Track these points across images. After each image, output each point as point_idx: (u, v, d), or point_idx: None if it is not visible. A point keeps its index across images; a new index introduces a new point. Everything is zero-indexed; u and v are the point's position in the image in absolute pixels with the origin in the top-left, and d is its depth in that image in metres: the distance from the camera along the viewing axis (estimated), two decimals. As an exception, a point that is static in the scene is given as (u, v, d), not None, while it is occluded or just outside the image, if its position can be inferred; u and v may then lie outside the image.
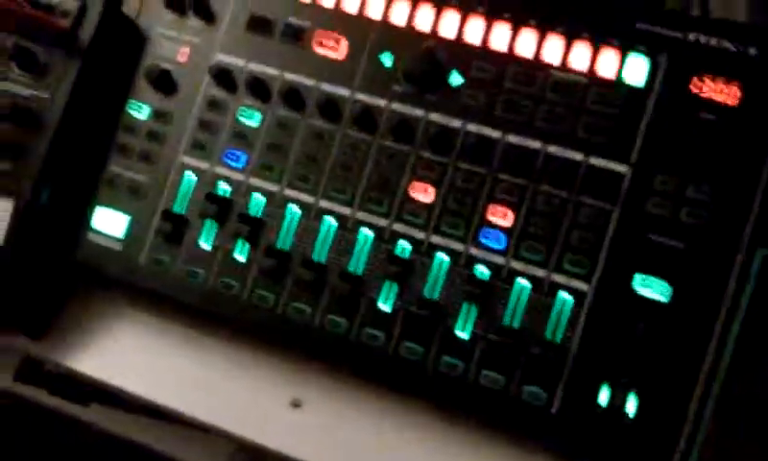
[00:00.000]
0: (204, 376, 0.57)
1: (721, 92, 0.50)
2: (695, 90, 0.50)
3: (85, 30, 0.58)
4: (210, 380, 0.57)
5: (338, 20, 0.57)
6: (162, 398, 0.57)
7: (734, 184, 0.48)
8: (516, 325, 0.50)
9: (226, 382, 0.56)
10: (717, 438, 0.46)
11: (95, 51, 0.58)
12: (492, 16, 0.54)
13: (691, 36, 0.51)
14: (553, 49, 0.53)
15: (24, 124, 0.57)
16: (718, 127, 0.49)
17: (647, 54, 0.51)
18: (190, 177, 0.58)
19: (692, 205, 0.49)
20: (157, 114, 0.59)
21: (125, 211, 0.58)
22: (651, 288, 0.48)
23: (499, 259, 0.51)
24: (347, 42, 0.56)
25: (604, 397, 0.48)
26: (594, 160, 0.51)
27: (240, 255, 0.55)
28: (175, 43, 0.60)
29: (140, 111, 0.60)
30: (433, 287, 0.52)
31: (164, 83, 0.59)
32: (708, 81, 0.50)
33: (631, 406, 0.48)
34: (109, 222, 0.58)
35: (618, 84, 0.51)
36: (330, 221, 0.54)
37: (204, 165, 0.57)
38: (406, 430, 0.53)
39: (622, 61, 0.51)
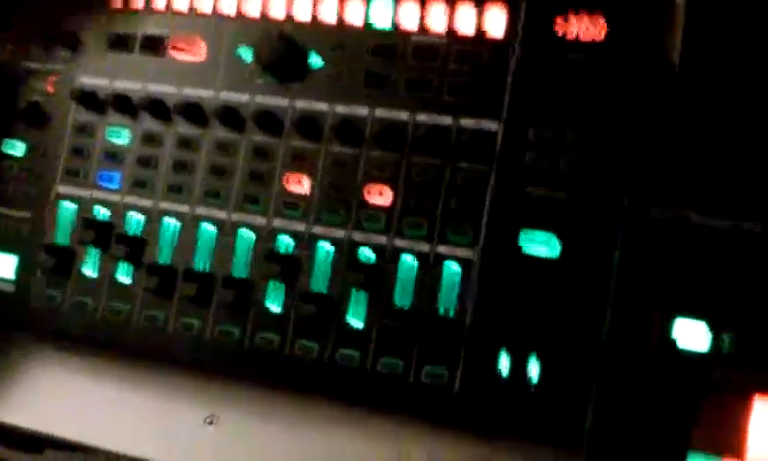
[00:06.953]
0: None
1: (587, 29, 0.47)
2: (561, 32, 0.48)
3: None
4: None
5: (194, 23, 0.55)
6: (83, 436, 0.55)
7: (610, 124, 0.46)
8: (406, 305, 0.48)
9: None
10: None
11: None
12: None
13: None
14: (409, 14, 0.50)
15: None
16: (586, 65, 0.47)
17: (505, 3, 0.49)
18: (68, 206, 0.56)
19: (570, 151, 0.46)
20: (31, 149, 0.57)
21: (11, 252, 0.57)
22: (539, 244, 0.46)
23: (383, 240, 0.49)
24: (204, 44, 0.54)
25: (505, 365, 0.46)
26: (464, 122, 0.49)
27: (125, 277, 0.54)
28: (42, 75, 0.58)
29: (14, 149, 0.58)
30: (320, 280, 0.50)
31: (35, 116, 0.57)
32: (572, 18, 0.48)
33: (534, 372, 0.45)
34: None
35: (478, 39, 0.49)
36: (208, 228, 0.52)
37: (80, 192, 0.56)
38: (312, 428, 0.51)
39: (480, 15, 0.49)
